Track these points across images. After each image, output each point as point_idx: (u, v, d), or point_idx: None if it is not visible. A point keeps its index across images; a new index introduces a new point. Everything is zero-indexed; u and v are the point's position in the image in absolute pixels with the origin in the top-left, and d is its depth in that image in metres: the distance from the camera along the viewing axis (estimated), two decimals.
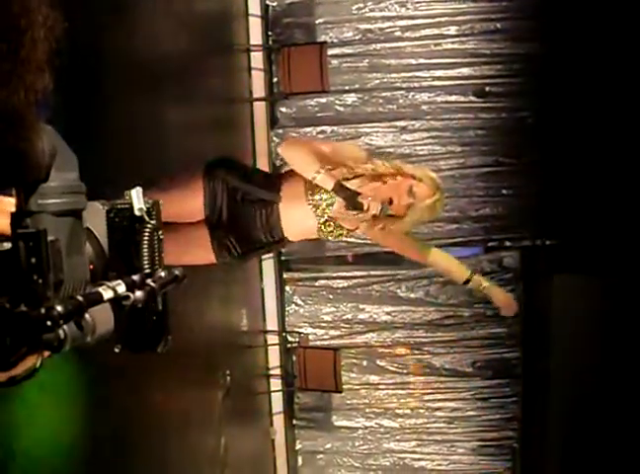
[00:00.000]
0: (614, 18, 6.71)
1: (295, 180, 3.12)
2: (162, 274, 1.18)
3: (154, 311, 1.19)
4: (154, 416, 4.14)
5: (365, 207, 2.97)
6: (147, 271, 1.21)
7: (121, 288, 1.06)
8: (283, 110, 7.26)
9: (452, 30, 7.09)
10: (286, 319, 7.47)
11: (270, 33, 7.18)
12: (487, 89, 7.11)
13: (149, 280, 1.13)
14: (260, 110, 7.15)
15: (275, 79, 7.14)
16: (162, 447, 4.30)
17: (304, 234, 3.24)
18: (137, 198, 1.23)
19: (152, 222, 1.24)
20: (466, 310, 7.36)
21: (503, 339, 7.35)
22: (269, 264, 7.26)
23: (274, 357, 7.36)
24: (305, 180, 3.07)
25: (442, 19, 7.09)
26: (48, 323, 0.92)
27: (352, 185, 3.03)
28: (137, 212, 1.23)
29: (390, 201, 2.99)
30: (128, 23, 4.01)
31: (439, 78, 7.13)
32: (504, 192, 7.17)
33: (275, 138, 7.20)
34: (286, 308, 7.47)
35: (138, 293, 1.08)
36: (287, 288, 7.48)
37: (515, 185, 7.15)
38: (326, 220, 3.11)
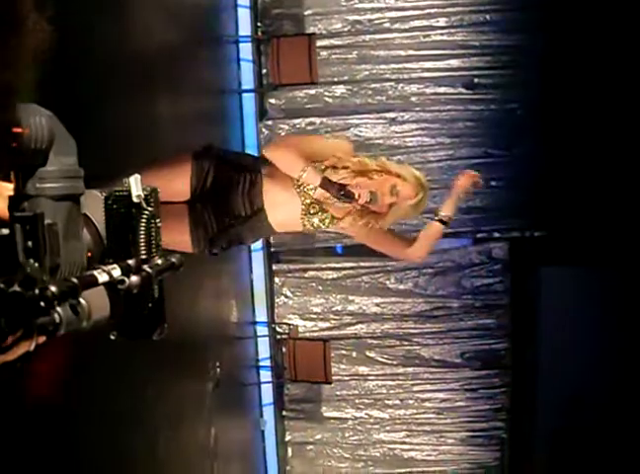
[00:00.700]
0: (605, 9, 6.72)
1: None
2: (159, 261, 1.18)
3: (150, 298, 1.20)
4: (143, 407, 4.14)
5: (357, 196, 2.95)
6: (144, 256, 1.21)
7: (117, 272, 1.06)
8: (272, 101, 7.25)
9: (442, 21, 7.09)
10: (276, 310, 7.48)
11: (259, 24, 7.17)
12: (476, 81, 7.12)
13: (145, 266, 1.13)
14: (249, 101, 7.14)
15: (264, 70, 7.13)
16: (152, 438, 4.31)
17: (287, 220, 3.16)
18: (135, 186, 1.24)
19: (150, 209, 1.25)
20: (455, 301, 7.38)
21: (491, 330, 7.38)
22: (258, 255, 7.26)
23: (263, 349, 7.38)
24: None
25: (432, 10, 7.08)
26: (42, 303, 0.93)
27: (337, 177, 3.01)
28: (135, 199, 1.24)
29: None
30: (116, 14, 4.00)
31: (428, 70, 7.13)
32: (493, 183, 7.18)
33: (264, 130, 7.20)
34: (276, 300, 7.47)
35: (134, 278, 1.08)
36: (277, 280, 7.49)
37: (503, 176, 7.16)
38: (311, 203, 3.07)
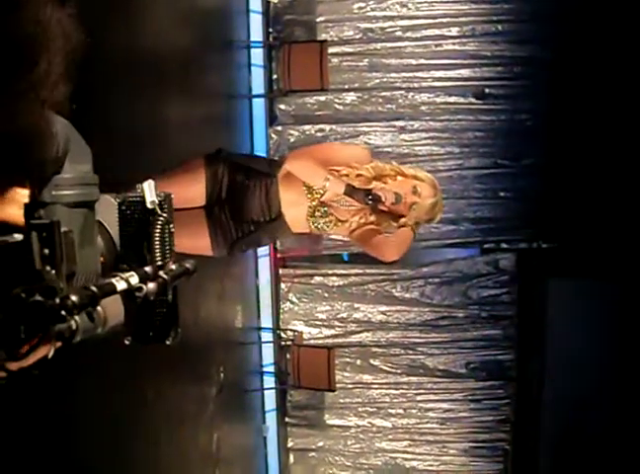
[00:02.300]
0: (615, 21, 6.72)
1: None
2: (172, 266, 1.18)
3: (164, 303, 1.19)
4: (146, 410, 4.13)
5: (383, 198, 3.02)
6: (159, 263, 1.21)
7: (134, 280, 1.06)
8: (282, 107, 7.25)
9: (453, 31, 7.09)
10: (281, 316, 7.47)
11: (270, 29, 7.18)
12: (486, 91, 7.11)
13: (161, 272, 1.12)
14: (259, 106, 7.14)
15: (274, 76, 7.13)
16: (154, 442, 4.30)
17: (296, 219, 3.22)
18: (149, 191, 1.23)
19: (164, 215, 1.24)
20: (461, 311, 7.36)
21: (497, 340, 7.36)
22: (264, 261, 7.25)
23: (267, 355, 7.36)
24: None
25: (444, 20, 7.09)
26: (63, 313, 0.92)
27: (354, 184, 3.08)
28: (150, 205, 1.23)
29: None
30: (129, 18, 4.00)
31: (438, 79, 7.13)
32: (501, 194, 7.18)
33: (273, 135, 7.20)
34: (281, 306, 7.46)
35: (151, 285, 1.08)
36: (283, 286, 7.48)
37: (512, 187, 7.16)
38: (317, 205, 3.14)
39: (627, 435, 6.79)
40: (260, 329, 7.33)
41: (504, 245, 7.30)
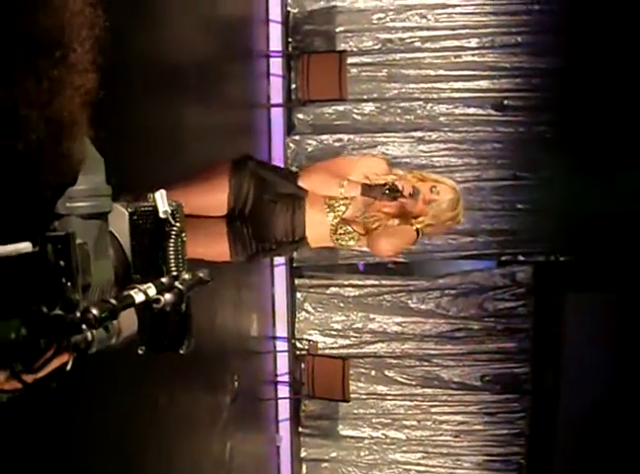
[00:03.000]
0: (635, 33, 6.69)
1: None
2: (186, 276, 1.17)
3: (178, 313, 1.19)
4: (161, 418, 4.13)
5: (401, 188, 3.00)
6: (174, 273, 1.20)
7: (152, 291, 1.05)
8: (301, 116, 7.26)
9: (473, 42, 7.08)
10: (296, 326, 7.46)
11: (290, 39, 7.19)
12: (505, 102, 7.10)
13: (176, 283, 1.12)
14: (277, 116, 7.15)
15: (293, 86, 7.15)
16: (168, 450, 4.29)
17: (319, 237, 3.23)
18: (162, 201, 1.23)
19: (177, 225, 1.24)
20: (477, 323, 7.33)
21: (513, 353, 7.32)
22: (280, 270, 7.25)
23: (282, 364, 7.35)
24: None
25: (463, 31, 7.08)
26: (84, 326, 0.92)
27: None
28: (162, 215, 1.23)
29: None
30: (150, 26, 4.02)
31: (457, 90, 7.12)
32: (519, 206, 7.15)
33: (291, 145, 7.21)
34: (297, 315, 7.45)
35: (168, 296, 1.08)
36: (298, 295, 7.47)
37: (530, 199, 7.13)
38: (338, 222, 3.13)
39: None
40: (275, 338, 7.32)
41: (521, 257, 7.26)
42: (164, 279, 1.10)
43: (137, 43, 3.74)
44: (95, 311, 0.92)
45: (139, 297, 1.02)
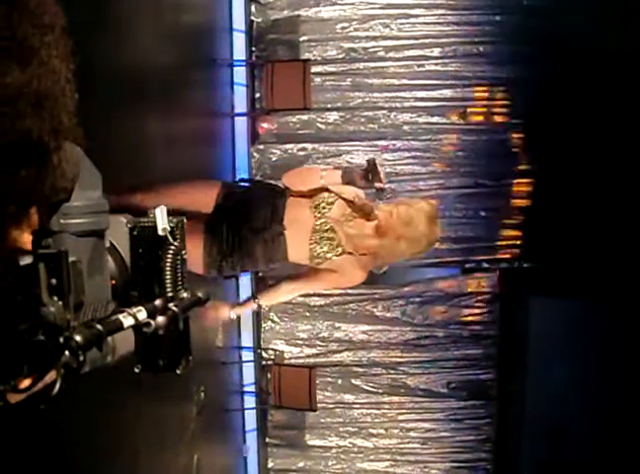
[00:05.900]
0: (597, 43, 6.77)
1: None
2: (184, 295, 1.15)
3: (175, 332, 1.16)
4: (126, 431, 4.08)
5: (379, 172, 3.26)
6: (170, 294, 1.18)
7: (142, 315, 1.02)
8: (265, 125, 7.25)
9: (436, 52, 7.13)
10: (262, 336, 7.43)
11: (253, 48, 7.18)
12: (468, 111, 7.15)
13: (171, 304, 1.09)
14: (241, 125, 7.13)
15: (257, 95, 7.14)
16: (135, 463, 4.24)
17: (297, 240, 3.25)
18: (161, 218, 1.20)
19: (175, 244, 1.21)
20: (442, 331, 7.36)
21: (478, 360, 7.36)
22: (245, 280, 7.22)
23: (248, 374, 7.31)
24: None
25: (426, 41, 7.12)
26: (66, 353, 0.90)
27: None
28: (161, 232, 1.20)
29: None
30: (112, 36, 3.99)
31: (421, 99, 7.16)
32: (482, 213, 7.20)
33: (255, 154, 7.19)
34: (262, 325, 7.43)
35: (160, 319, 1.05)
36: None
37: (493, 207, 7.18)
38: (321, 224, 3.20)
39: (609, 456, 6.79)
40: (241, 348, 7.29)
41: (485, 264, 7.32)
42: (157, 302, 1.07)
43: (99, 53, 3.70)
44: (78, 338, 0.89)
45: (128, 321, 0.99)
